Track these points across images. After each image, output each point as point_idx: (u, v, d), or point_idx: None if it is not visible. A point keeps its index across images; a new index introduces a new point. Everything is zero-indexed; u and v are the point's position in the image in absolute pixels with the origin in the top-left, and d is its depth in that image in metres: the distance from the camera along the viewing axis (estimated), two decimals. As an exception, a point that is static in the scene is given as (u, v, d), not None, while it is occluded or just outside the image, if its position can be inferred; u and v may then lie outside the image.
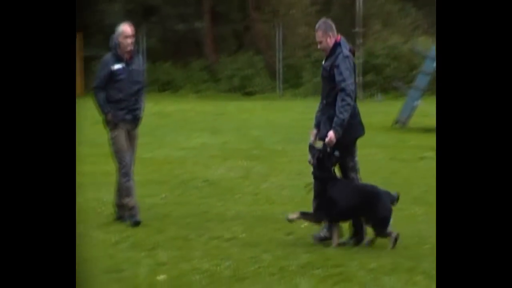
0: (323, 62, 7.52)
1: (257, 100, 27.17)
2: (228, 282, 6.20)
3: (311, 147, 7.47)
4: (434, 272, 5.83)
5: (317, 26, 7.55)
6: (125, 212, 8.41)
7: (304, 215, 7.51)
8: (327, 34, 7.45)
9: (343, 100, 7.20)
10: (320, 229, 7.52)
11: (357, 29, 28.26)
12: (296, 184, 10.37)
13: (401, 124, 18.62)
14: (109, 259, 6.86)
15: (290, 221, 7.56)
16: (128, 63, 8.37)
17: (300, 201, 9.43)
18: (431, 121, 13.38)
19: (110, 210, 8.61)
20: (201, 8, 32.89)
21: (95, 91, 8.41)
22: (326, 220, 7.39)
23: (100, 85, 8.37)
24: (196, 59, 31.82)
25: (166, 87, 30.77)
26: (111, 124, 8.33)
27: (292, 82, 30.42)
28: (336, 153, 7.31)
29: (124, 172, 8.35)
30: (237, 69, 30.59)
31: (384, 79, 28.41)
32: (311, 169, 7.48)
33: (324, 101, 7.47)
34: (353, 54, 7.54)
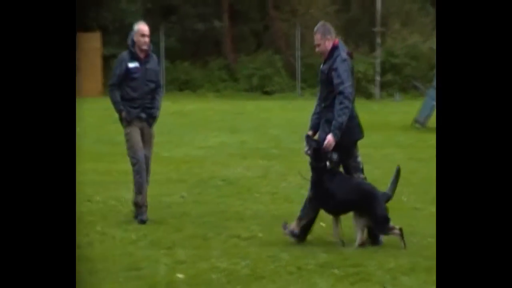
0: (321, 65, 7.54)
1: (276, 99, 27.16)
2: (246, 281, 6.22)
3: (308, 138, 7.49)
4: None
5: (315, 29, 7.60)
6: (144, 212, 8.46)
7: (300, 219, 7.46)
8: (325, 37, 7.48)
9: (341, 103, 7.21)
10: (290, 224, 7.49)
11: (376, 28, 28.17)
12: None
13: (420, 123, 18.54)
14: (128, 257, 6.90)
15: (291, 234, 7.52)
16: (143, 61, 8.42)
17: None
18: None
19: (129, 209, 8.66)
20: (220, 7, 32.91)
21: (110, 88, 8.49)
22: (321, 211, 7.39)
23: (115, 83, 8.43)
24: (215, 58, 31.85)
25: (185, 86, 30.80)
26: (125, 122, 8.38)
27: (311, 81, 30.36)
28: (335, 156, 7.31)
29: (136, 169, 8.39)
30: (256, 68, 30.59)
31: (403, 79, 28.32)
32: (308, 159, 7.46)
33: (322, 104, 7.50)
34: (351, 57, 7.57)
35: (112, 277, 6.32)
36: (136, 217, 8.42)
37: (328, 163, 7.34)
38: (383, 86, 27.96)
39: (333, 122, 7.22)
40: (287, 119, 20.01)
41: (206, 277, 6.30)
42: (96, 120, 18.41)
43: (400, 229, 7.23)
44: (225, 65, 31.85)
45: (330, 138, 7.21)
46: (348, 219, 7.44)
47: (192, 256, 6.92)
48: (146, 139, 8.48)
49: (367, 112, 22.66)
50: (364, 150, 14.05)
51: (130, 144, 8.41)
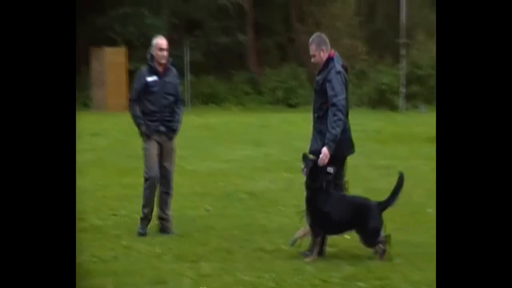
0: (316, 76, 7.55)
1: (300, 112, 27.14)
2: (270, 294, 6.21)
3: (305, 157, 7.46)
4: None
5: (310, 40, 7.63)
6: (168, 224, 8.50)
7: (307, 231, 7.45)
8: (320, 48, 7.51)
9: (334, 115, 7.22)
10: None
11: (401, 40, 28.11)
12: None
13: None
14: (153, 270, 6.92)
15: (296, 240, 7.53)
16: (162, 75, 8.47)
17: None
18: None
19: (154, 222, 8.69)
20: (244, 20, 33.07)
21: (130, 103, 8.55)
22: (321, 234, 7.33)
23: (134, 98, 8.50)
24: (240, 71, 31.97)
25: (210, 100, 30.93)
26: (145, 136, 8.44)
27: (336, 94, 30.36)
28: (330, 169, 7.28)
29: (148, 185, 8.47)
30: (280, 81, 30.65)
31: (428, 90, 28.19)
32: (304, 179, 7.43)
33: (315, 115, 7.52)
34: (346, 70, 7.57)
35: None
36: (161, 230, 8.48)
37: (324, 184, 7.29)
38: (408, 97, 27.86)
39: (327, 135, 7.21)
40: (311, 131, 19.96)
41: (231, 290, 6.31)
42: (121, 134, 18.50)
43: (386, 237, 7.22)
44: (249, 78, 31.96)
45: (325, 150, 7.20)
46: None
47: (216, 269, 6.92)
48: (166, 153, 8.51)
49: (392, 123, 22.64)
50: (389, 161, 14.11)
51: (146, 159, 8.48)
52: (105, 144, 17.19)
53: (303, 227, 7.50)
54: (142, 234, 8.39)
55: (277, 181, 12.23)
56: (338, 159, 7.35)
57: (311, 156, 7.45)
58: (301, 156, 7.51)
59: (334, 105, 7.23)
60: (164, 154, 8.49)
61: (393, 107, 27.57)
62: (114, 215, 9.37)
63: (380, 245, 7.22)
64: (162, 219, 8.54)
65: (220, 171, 13.34)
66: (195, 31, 32.31)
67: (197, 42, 31.83)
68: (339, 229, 7.42)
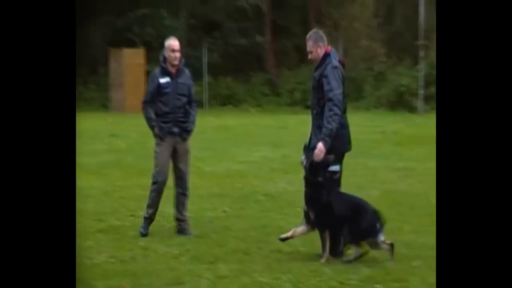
0: (314, 72, 7.57)
1: (318, 113, 27.13)
2: (288, 296, 6.22)
3: (306, 149, 7.46)
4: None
5: (308, 36, 7.64)
6: (185, 225, 8.53)
7: (309, 226, 7.45)
8: (317, 45, 7.52)
9: (330, 110, 7.22)
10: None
11: (419, 42, 28.00)
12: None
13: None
14: (170, 271, 6.94)
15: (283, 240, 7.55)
16: (174, 76, 8.49)
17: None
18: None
19: (172, 223, 8.72)
20: (262, 22, 33.09)
21: (143, 105, 8.58)
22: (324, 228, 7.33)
23: (148, 100, 8.53)
24: (258, 73, 32.00)
25: (228, 101, 30.98)
26: (158, 138, 8.46)
27: (354, 95, 30.29)
28: (336, 167, 7.34)
29: (154, 188, 8.50)
30: (298, 82, 30.62)
31: (447, 92, 28.04)
32: (304, 171, 7.45)
33: (314, 111, 7.54)
34: (343, 65, 7.57)
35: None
36: (179, 231, 8.51)
37: (322, 178, 7.29)
38: (427, 99, 27.73)
39: (323, 129, 7.23)
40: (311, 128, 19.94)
41: (248, 291, 6.32)
42: (139, 135, 18.56)
43: (361, 255, 7.21)
44: (267, 80, 31.97)
45: (320, 145, 7.21)
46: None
47: (234, 270, 6.93)
48: (181, 154, 8.53)
49: (411, 125, 22.56)
50: (408, 163, 14.07)
51: (156, 163, 8.51)
52: (124, 145, 17.26)
53: (294, 228, 7.48)
54: (144, 234, 8.42)
55: (295, 182, 12.19)
56: (339, 154, 7.38)
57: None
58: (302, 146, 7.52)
59: (330, 100, 7.24)
60: (179, 156, 8.51)
61: (412, 109, 27.46)
62: (132, 216, 9.41)
63: (359, 248, 7.21)
64: (180, 220, 8.57)
65: (237, 173, 13.36)
66: (213, 33, 32.38)
67: (215, 44, 31.90)
68: (337, 226, 7.33)
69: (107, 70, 29.72)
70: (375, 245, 7.26)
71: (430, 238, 8.16)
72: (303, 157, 7.44)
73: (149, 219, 8.55)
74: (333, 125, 7.20)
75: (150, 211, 8.54)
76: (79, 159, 15.91)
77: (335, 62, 7.43)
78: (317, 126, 7.42)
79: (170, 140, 8.45)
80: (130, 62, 28.22)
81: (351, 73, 30.72)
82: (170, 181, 8.64)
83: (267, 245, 7.91)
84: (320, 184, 7.28)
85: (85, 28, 31.12)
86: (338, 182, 7.55)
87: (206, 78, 30.20)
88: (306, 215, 7.44)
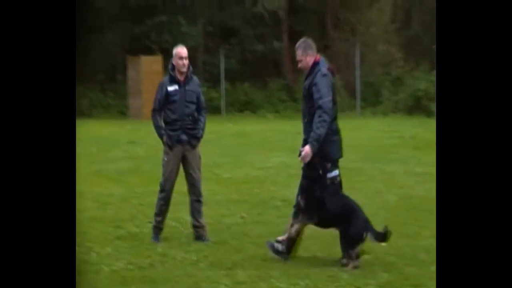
0: (304, 81, 7.61)
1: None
2: (305, 301, 6.22)
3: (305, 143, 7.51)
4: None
5: (297, 45, 7.69)
6: (202, 231, 8.55)
7: (296, 219, 7.56)
8: (306, 53, 7.57)
9: (320, 116, 7.26)
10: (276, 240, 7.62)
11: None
12: (374, 203, 10.32)
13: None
14: (188, 278, 6.96)
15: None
16: (182, 84, 8.51)
17: (379, 220, 9.37)
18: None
19: (189, 230, 8.74)
20: (279, 28, 33.11)
21: (152, 114, 8.64)
22: (314, 219, 7.44)
23: (156, 108, 8.58)
24: (275, 79, 32.01)
25: (245, 107, 31.01)
26: (167, 147, 8.50)
27: (371, 100, 30.25)
28: (335, 172, 7.48)
29: (162, 196, 8.56)
30: (316, 88, 30.58)
31: (465, 96, 27.94)
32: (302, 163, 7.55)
33: (305, 120, 7.56)
34: (333, 73, 7.60)
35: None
36: (197, 238, 8.54)
37: (321, 172, 7.37)
38: (445, 103, 27.60)
39: (311, 134, 7.27)
40: (347, 138, 19.79)
41: (266, 297, 6.33)
42: (157, 142, 18.46)
43: (357, 266, 7.20)
44: (284, 86, 31.97)
45: (307, 149, 7.27)
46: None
47: (252, 276, 6.94)
48: (191, 161, 8.55)
49: (428, 130, 22.43)
50: (426, 168, 14.02)
51: (164, 171, 8.57)
52: (142, 152, 17.32)
53: (288, 230, 7.56)
54: (156, 241, 8.46)
55: (313, 188, 12.20)
56: (334, 161, 7.49)
57: None
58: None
59: (320, 107, 7.29)
60: (189, 163, 8.54)
61: (430, 114, 27.33)
62: (150, 222, 9.41)
63: (350, 260, 7.21)
64: (196, 227, 8.59)
65: (255, 179, 13.37)
66: (231, 39, 32.45)
67: (233, 50, 31.96)
68: (328, 221, 7.46)
69: (125, 77, 29.85)
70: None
71: (448, 243, 8.14)
72: (301, 148, 7.50)
73: (157, 228, 8.58)
74: (322, 131, 7.26)
75: (158, 219, 8.58)
76: (98, 166, 16.04)
77: (324, 70, 7.48)
78: (308, 134, 7.45)
79: (179, 148, 8.48)
80: (148, 69, 28.31)
81: (368, 78, 30.76)
82: (185, 188, 8.67)
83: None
84: (317, 178, 7.37)
85: (103, 35, 31.33)
86: (340, 186, 7.61)
87: (224, 85, 30.27)
88: (297, 206, 7.51)
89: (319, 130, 7.25)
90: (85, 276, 7.01)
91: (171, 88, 8.48)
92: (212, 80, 30.60)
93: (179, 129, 8.47)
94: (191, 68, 8.63)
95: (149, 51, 29.83)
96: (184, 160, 8.52)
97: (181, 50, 8.53)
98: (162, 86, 8.57)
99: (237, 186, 12.48)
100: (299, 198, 7.57)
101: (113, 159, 16.00)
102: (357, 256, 7.22)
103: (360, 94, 29.65)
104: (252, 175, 13.88)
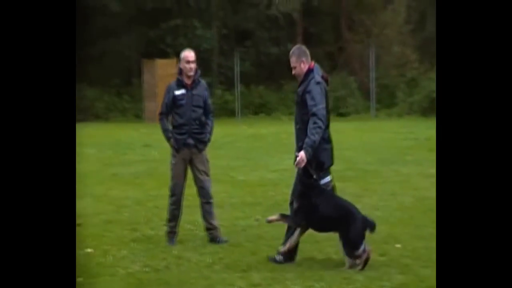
0: (298, 88, 7.62)
1: (350, 121, 27.06)
2: (320, 303, 6.22)
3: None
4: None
5: (291, 51, 7.71)
6: (216, 233, 8.57)
7: (283, 217, 7.66)
8: (300, 60, 7.58)
9: (314, 123, 7.29)
10: (276, 253, 7.61)
11: (452, 47, 27.83)
12: (389, 205, 10.31)
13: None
14: (204, 280, 6.99)
15: (270, 222, 7.77)
16: (190, 88, 8.54)
17: (395, 222, 9.38)
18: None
19: (205, 232, 8.76)
20: (294, 30, 33.13)
21: (159, 117, 8.68)
22: (302, 225, 7.47)
23: (164, 112, 8.62)
24: (290, 81, 31.94)
25: (260, 110, 31.05)
26: (174, 150, 8.53)
27: (386, 102, 30.21)
28: (328, 178, 7.52)
29: (173, 200, 8.61)
30: (330, 90, 30.47)
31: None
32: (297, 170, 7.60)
33: (298, 126, 7.60)
34: (326, 81, 7.61)
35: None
36: (211, 240, 8.57)
37: (315, 177, 7.41)
38: (460, 105, 27.54)
39: (306, 140, 7.29)
40: (362, 140, 19.91)
41: (281, 299, 6.34)
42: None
43: (368, 258, 7.17)
44: (299, 88, 31.95)
45: (302, 154, 7.30)
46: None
47: (267, 279, 6.96)
48: (198, 165, 8.58)
49: (444, 131, 22.41)
50: (441, 170, 13.96)
51: (172, 175, 8.63)
52: (157, 155, 17.37)
53: (289, 239, 7.59)
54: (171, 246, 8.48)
55: (328, 190, 12.20)
56: (326, 168, 7.55)
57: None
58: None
59: (314, 114, 7.31)
60: (197, 166, 8.57)
61: (445, 115, 27.29)
62: (165, 225, 9.46)
63: (357, 260, 7.19)
64: (209, 229, 8.62)
65: (270, 181, 13.38)
66: (245, 42, 32.52)
67: (247, 53, 32.01)
68: (323, 226, 7.48)
69: (141, 81, 29.97)
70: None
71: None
72: (296, 153, 7.54)
73: (171, 233, 8.61)
74: (316, 137, 7.28)
75: (172, 224, 8.62)
76: (114, 169, 16.08)
77: (318, 78, 7.49)
78: (301, 140, 7.47)
79: (186, 152, 8.52)
80: (163, 72, 28.40)
81: (383, 79, 30.70)
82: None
83: (299, 253, 7.90)
84: (312, 184, 7.41)
85: (119, 39, 31.46)
86: (333, 191, 7.67)
87: (239, 87, 30.32)
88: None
89: (314, 136, 7.28)
90: (101, 278, 7.06)
91: (178, 92, 8.52)
92: (227, 83, 30.68)
93: (186, 133, 8.50)
94: (198, 72, 8.65)
95: (164, 55, 29.93)
96: (191, 163, 8.57)
97: (188, 54, 8.56)
98: (170, 90, 8.60)
99: (252, 189, 12.49)
100: (293, 202, 7.59)
101: (128, 162, 16.06)
102: (363, 252, 7.20)
103: (375, 95, 29.61)
104: (267, 177, 13.89)
